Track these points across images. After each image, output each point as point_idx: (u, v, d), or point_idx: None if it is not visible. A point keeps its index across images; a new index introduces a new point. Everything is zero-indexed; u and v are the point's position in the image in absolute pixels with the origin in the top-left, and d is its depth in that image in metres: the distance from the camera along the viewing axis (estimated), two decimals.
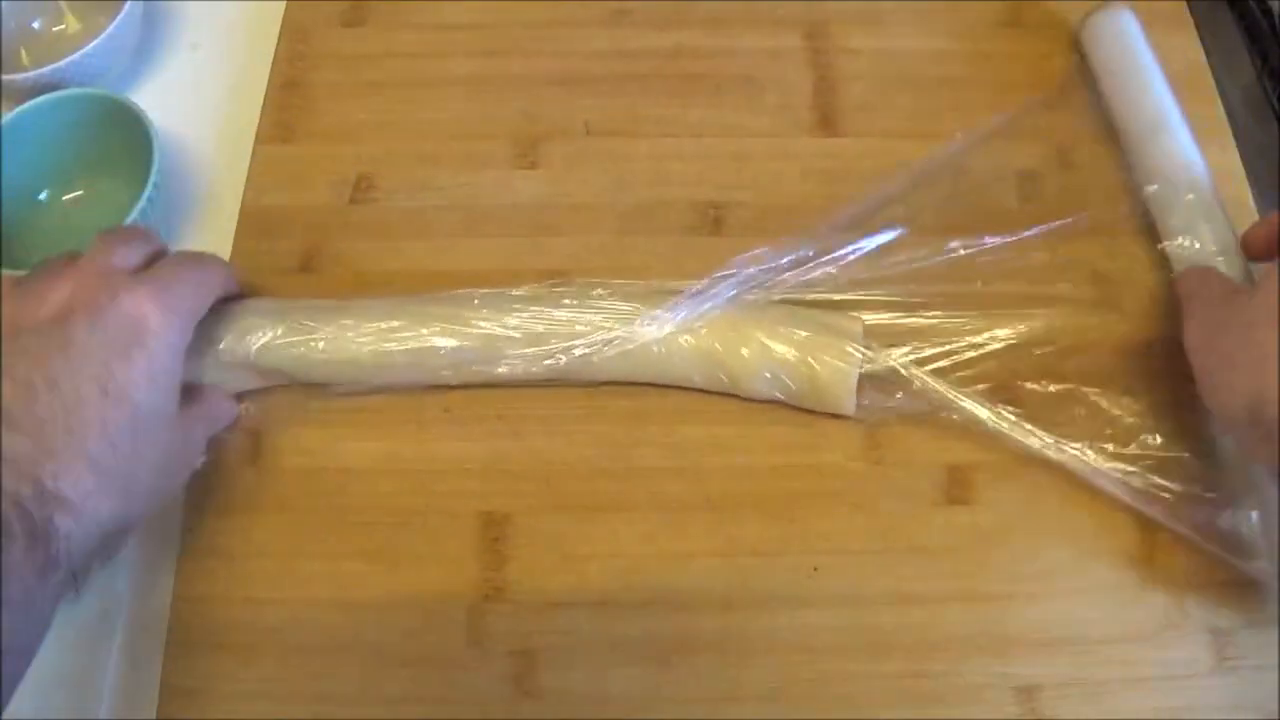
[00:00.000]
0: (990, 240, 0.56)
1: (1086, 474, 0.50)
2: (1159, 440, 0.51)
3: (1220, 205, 0.55)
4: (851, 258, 0.55)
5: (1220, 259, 0.53)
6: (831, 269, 0.55)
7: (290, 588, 0.50)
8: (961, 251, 0.56)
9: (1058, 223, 0.57)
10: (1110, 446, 0.51)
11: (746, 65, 0.64)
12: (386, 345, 0.52)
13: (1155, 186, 0.56)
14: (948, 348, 0.53)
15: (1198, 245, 0.54)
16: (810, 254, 0.55)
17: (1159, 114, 0.58)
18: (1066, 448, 0.50)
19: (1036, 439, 0.51)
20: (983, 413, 0.51)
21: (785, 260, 0.55)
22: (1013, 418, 0.51)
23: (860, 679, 0.48)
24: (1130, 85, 0.59)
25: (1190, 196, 0.55)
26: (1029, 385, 0.53)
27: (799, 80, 0.63)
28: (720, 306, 0.52)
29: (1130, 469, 0.50)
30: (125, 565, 0.52)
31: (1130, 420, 0.52)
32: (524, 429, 0.53)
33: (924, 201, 0.58)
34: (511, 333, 0.52)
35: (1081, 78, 0.62)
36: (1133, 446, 0.51)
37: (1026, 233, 0.56)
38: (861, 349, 0.51)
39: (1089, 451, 0.50)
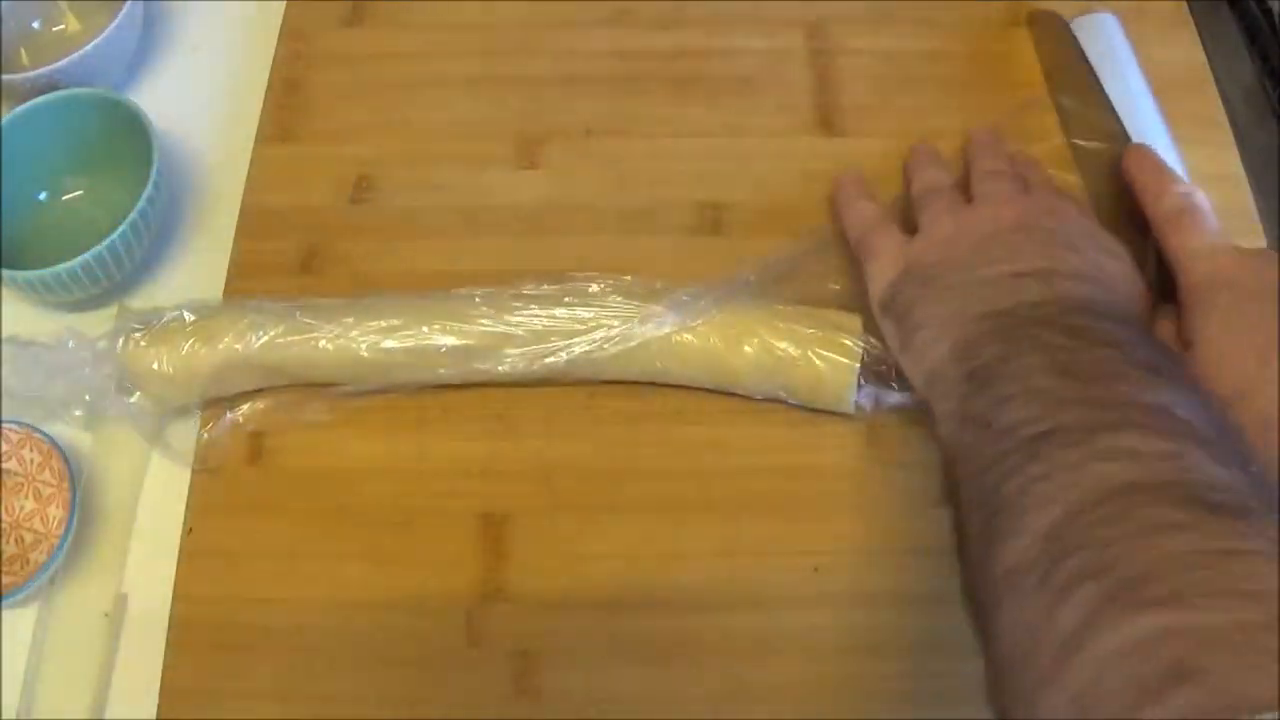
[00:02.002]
0: None
1: None
2: None
3: None
4: (850, 259, 0.55)
5: None
6: (830, 269, 0.55)
7: (290, 588, 0.50)
8: None
9: None
10: None
11: (746, 65, 0.64)
12: (387, 344, 0.52)
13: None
14: None
15: None
16: (810, 253, 0.55)
17: (1140, 121, 0.58)
18: None
19: None
20: None
21: (785, 260, 0.55)
22: None
23: (861, 679, 0.48)
24: (1112, 92, 0.59)
25: None
26: None
27: (799, 80, 0.63)
28: (720, 306, 0.52)
29: None
30: (125, 565, 0.52)
31: None
32: (524, 429, 0.53)
33: None
34: (512, 330, 0.52)
35: None
36: None
37: None
38: (861, 345, 0.51)
39: None
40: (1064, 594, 0.33)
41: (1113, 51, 0.60)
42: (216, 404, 0.54)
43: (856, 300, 0.54)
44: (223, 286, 0.57)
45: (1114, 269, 0.48)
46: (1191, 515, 0.33)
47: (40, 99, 0.59)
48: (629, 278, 0.55)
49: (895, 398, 0.52)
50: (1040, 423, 0.39)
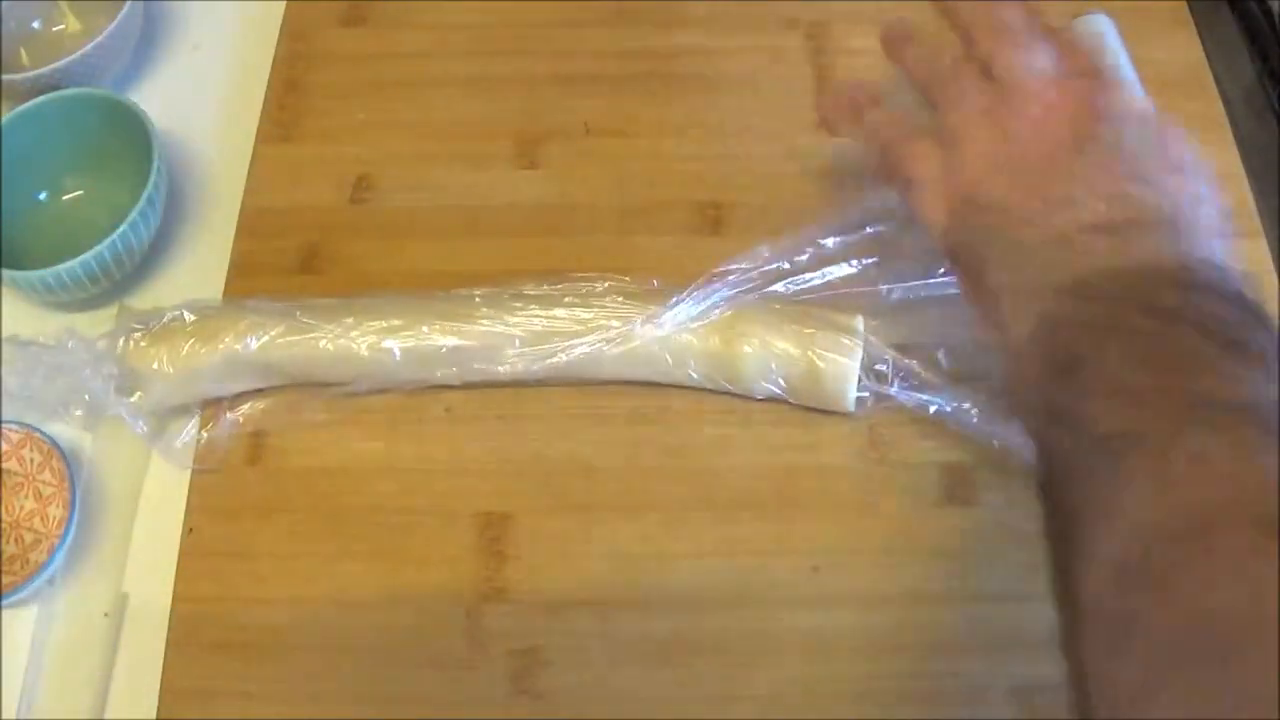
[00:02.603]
0: None
1: None
2: None
3: None
4: (851, 259, 0.55)
5: None
6: (831, 268, 0.55)
7: (290, 588, 0.50)
8: None
9: None
10: None
11: (746, 65, 0.64)
12: (387, 344, 0.52)
13: None
14: (947, 345, 0.53)
15: None
16: (810, 253, 0.55)
17: None
18: None
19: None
20: (981, 412, 0.51)
21: (785, 260, 0.55)
22: (1009, 420, 0.51)
23: (861, 679, 0.48)
24: None
25: None
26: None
27: (799, 80, 0.63)
28: (720, 306, 0.52)
29: None
30: (125, 565, 0.52)
31: None
32: (524, 429, 0.53)
33: None
34: (512, 331, 0.52)
35: None
36: None
37: None
38: (862, 344, 0.51)
39: None
40: (1126, 645, 0.31)
41: (1107, 52, 0.60)
42: (216, 404, 0.54)
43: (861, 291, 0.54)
44: (223, 286, 0.57)
45: (1189, 191, 0.43)
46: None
47: (40, 99, 0.59)
48: (629, 278, 0.55)
49: (895, 398, 0.52)
50: (1116, 421, 0.36)
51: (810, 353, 0.51)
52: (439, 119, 0.62)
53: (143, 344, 0.52)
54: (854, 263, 0.55)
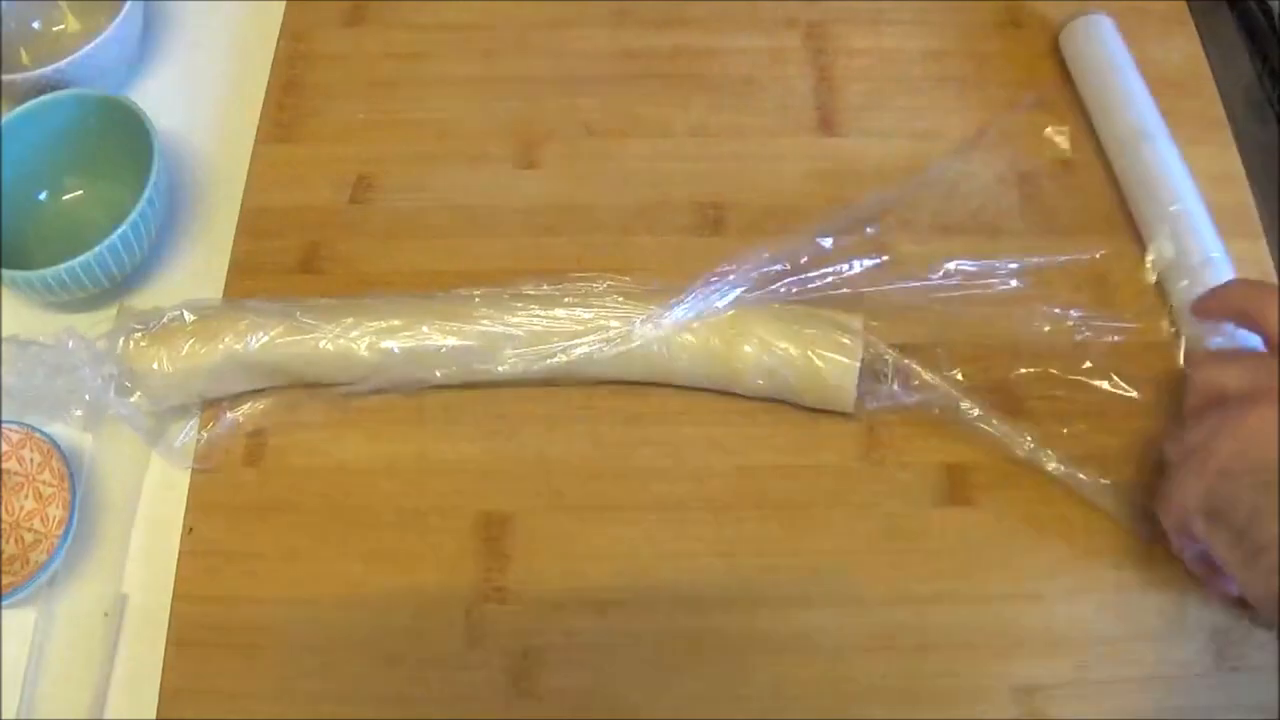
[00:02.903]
0: (989, 244, 0.56)
1: (1073, 483, 0.50)
2: (1150, 453, 0.51)
3: (1207, 213, 0.55)
4: (851, 259, 0.55)
5: (1205, 270, 0.52)
6: (831, 267, 0.55)
7: (290, 588, 0.50)
8: (960, 255, 0.56)
9: (1056, 228, 0.57)
10: (1101, 450, 0.51)
11: (746, 65, 0.64)
12: (387, 344, 0.52)
13: (1138, 198, 0.56)
14: (947, 346, 0.53)
15: (1182, 257, 0.53)
16: (810, 253, 0.55)
17: (1136, 123, 0.57)
18: (1052, 460, 0.50)
19: (1030, 442, 0.51)
20: (981, 412, 0.51)
21: (785, 260, 0.55)
22: (1009, 420, 0.51)
23: (860, 679, 0.48)
24: (1107, 94, 0.59)
25: (1174, 207, 0.55)
26: (1028, 385, 0.53)
27: (799, 80, 0.63)
28: (720, 306, 0.52)
29: (1111, 481, 0.50)
30: (125, 565, 0.52)
31: (1126, 426, 0.52)
32: (524, 429, 0.53)
33: (924, 201, 0.58)
34: (512, 331, 0.52)
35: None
36: (1129, 467, 0.50)
37: (1025, 235, 0.57)
38: (861, 345, 0.51)
39: (1080, 471, 0.50)
40: None
41: (1109, 52, 0.60)
42: (216, 404, 0.54)
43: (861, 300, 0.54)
44: (223, 287, 0.57)
45: None
46: None
47: (40, 99, 0.59)
48: (628, 278, 0.55)
49: (895, 398, 0.52)
50: None
51: (810, 353, 0.51)
52: (439, 119, 0.63)
53: (143, 344, 0.52)
54: (854, 263, 0.55)
